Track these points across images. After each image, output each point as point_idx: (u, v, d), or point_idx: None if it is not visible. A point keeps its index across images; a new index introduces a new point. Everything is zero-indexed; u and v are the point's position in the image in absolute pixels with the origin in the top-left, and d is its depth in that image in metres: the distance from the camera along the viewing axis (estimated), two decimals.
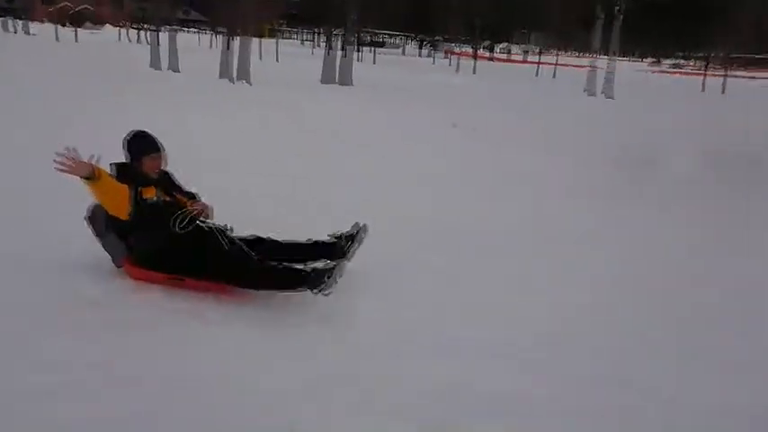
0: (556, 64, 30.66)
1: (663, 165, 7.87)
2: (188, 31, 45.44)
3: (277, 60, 26.75)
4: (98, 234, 3.63)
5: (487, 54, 47.52)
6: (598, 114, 14.64)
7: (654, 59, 58.63)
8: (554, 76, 28.86)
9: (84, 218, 3.65)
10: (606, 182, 7.27)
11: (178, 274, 3.48)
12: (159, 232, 3.51)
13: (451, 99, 15.66)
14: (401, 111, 12.30)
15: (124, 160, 3.69)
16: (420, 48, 55.29)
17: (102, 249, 3.62)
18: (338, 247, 3.64)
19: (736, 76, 29.83)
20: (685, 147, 8.85)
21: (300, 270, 3.39)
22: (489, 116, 12.54)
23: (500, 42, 56.04)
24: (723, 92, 24.81)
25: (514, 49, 59.07)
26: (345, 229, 3.73)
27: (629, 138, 10.87)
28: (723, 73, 26.93)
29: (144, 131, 3.76)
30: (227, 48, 17.01)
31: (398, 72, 25.09)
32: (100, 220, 3.61)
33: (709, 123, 13.67)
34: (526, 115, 13.31)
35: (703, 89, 25.69)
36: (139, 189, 3.53)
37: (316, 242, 3.70)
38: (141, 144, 3.69)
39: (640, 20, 34.25)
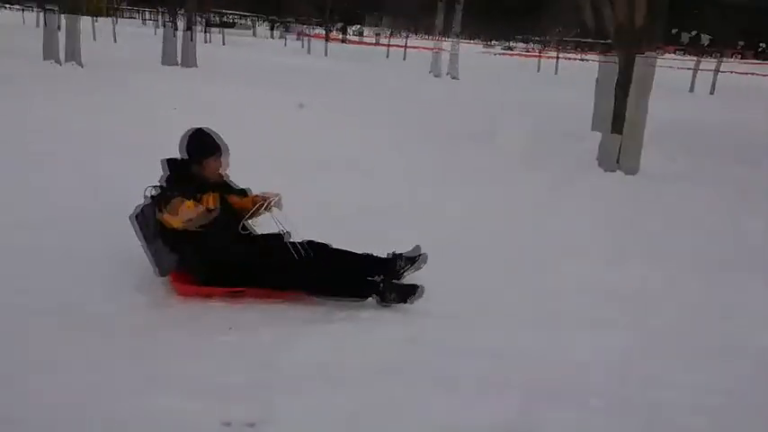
0: (405, 46, 31.33)
1: (497, 139, 8.31)
2: (10, 8, 40.85)
3: (115, 41, 24.88)
4: (145, 237, 3.30)
5: (340, 36, 47.57)
6: (442, 94, 15.20)
7: (488, 42, 61.94)
8: (404, 58, 29.51)
9: (132, 216, 3.31)
10: (444, 156, 7.59)
11: (240, 287, 3.22)
12: (221, 244, 3.21)
13: (300, 80, 15.47)
14: (245, 92, 11.94)
15: (178, 157, 3.33)
16: (272, 29, 54.11)
17: (144, 254, 3.32)
18: (391, 265, 3.50)
19: (568, 58, 32.48)
20: (519, 123, 9.40)
21: (374, 282, 3.33)
22: (338, 96, 12.55)
23: (353, 25, 56.35)
24: (556, 72, 26.79)
25: (367, 31, 59.76)
26: (405, 249, 3.59)
27: (470, 114, 11.38)
28: (555, 55, 29.12)
29: (206, 129, 3.38)
30: (55, 25, 15.45)
31: (248, 53, 24.39)
32: (151, 223, 3.27)
33: (543, 101, 14.67)
34: (371, 95, 13.48)
35: (538, 70, 27.53)
36: (198, 197, 3.12)
37: (368, 255, 3.52)
38: (204, 144, 3.33)
39: (483, 4, 36.07)
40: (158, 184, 3.34)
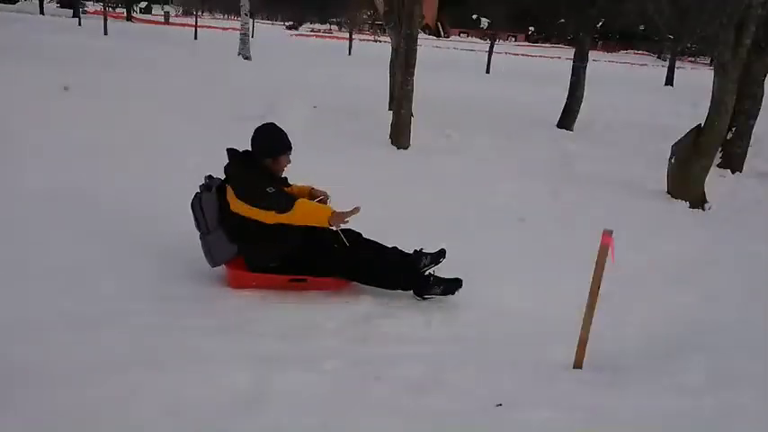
0: (196, 26, 29.82)
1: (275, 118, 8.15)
2: None
3: None
4: (207, 227, 3.37)
5: (124, 13, 43.78)
6: (230, 73, 14.61)
7: (291, 23, 61.72)
8: (195, 37, 28.08)
9: (194, 205, 3.37)
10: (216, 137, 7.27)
11: (303, 275, 3.40)
12: (293, 235, 3.36)
13: (72, 60, 13.86)
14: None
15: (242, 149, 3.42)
16: (41, 4, 48.14)
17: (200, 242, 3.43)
18: (413, 262, 3.62)
19: (367, 40, 33.49)
20: (302, 101, 9.32)
21: (429, 276, 3.56)
22: (109, 76, 11.42)
23: (138, 1, 52.29)
24: (350, 53, 27.26)
25: (156, 9, 56.05)
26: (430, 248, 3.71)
27: (252, 94, 11.02)
28: (349, 36, 29.68)
29: (277, 125, 3.47)
30: None
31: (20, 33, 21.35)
32: (213, 214, 3.36)
33: (332, 81, 14.77)
34: (144, 74, 12.50)
35: (350, 53, 27.71)
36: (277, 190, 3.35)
37: (395, 248, 3.64)
38: (281, 140, 3.42)
39: None
40: (207, 176, 3.54)
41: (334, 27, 61.29)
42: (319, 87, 12.86)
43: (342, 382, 2.74)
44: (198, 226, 3.42)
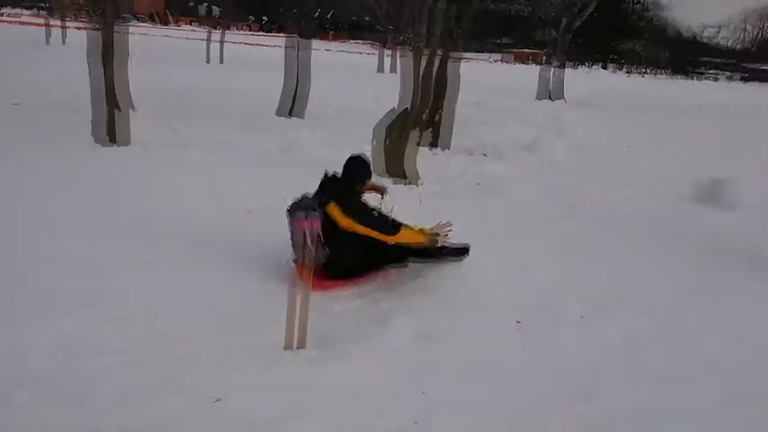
0: None
1: None
2: None
3: None
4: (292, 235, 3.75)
5: None
6: None
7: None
8: None
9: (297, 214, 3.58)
10: None
11: (371, 272, 4.15)
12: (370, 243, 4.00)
13: None
14: None
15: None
16: None
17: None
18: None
19: (79, 28, 30.06)
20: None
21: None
22: None
23: None
24: (64, 42, 24.54)
25: None
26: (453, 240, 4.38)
27: None
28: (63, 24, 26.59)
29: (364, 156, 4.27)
30: None
31: None
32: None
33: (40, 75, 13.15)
34: None
35: (64, 42, 24.67)
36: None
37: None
38: (369, 168, 4.30)
39: None
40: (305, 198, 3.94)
41: (43, 12, 54.23)
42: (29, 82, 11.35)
43: None
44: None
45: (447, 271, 4.36)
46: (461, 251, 4.48)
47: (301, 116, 11.14)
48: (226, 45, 23.79)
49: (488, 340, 3.46)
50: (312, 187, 4.06)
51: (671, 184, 7.71)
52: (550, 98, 19.88)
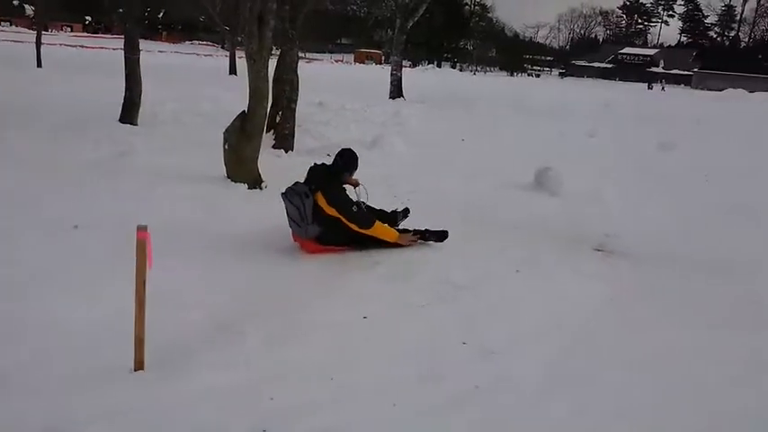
0: None
1: None
2: None
3: None
4: (306, 221, 4.61)
5: None
6: None
7: None
8: None
9: (297, 206, 4.58)
10: None
11: (351, 245, 4.76)
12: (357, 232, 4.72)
13: None
14: None
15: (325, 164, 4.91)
16: None
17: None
18: (394, 217, 5.23)
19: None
20: None
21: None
22: None
23: None
24: None
25: None
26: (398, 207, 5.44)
27: None
28: None
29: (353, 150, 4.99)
30: None
31: None
32: (310, 212, 4.59)
33: None
34: None
35: None
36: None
37: (394, 211, 5.32)
38: (356, 160, 4.93)
39: None
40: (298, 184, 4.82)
41: None
42: None
43: None
44: (300, 219, 4.65)
45: (290, 272, 4.36)
46: (442, 235, 5.08)
47: (134, 122, 10.44)
48: (46, 47, 21.74)
49: (337, 337, 3.50)
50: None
51: (501, 171, 8.32)
52: (391, 97, 20.55)
